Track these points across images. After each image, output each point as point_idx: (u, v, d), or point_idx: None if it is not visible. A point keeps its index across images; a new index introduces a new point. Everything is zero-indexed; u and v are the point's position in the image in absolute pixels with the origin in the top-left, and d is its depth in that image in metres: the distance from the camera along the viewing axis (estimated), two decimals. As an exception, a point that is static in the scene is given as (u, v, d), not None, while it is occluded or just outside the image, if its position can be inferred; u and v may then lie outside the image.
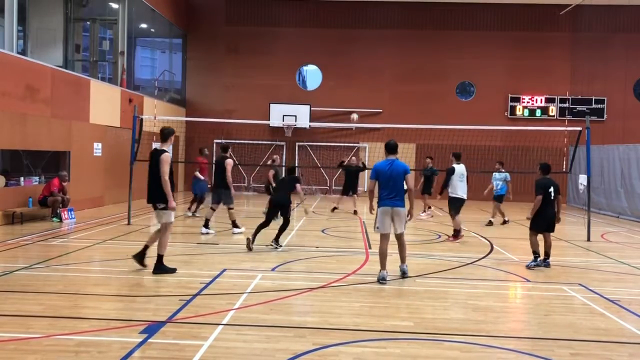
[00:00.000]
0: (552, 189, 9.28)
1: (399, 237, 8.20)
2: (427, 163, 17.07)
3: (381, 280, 7.92)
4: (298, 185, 10.77)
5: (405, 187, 8.13)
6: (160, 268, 8.10)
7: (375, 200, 8.24)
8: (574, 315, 6.64)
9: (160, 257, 8.14)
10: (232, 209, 12.25)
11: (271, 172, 15.63)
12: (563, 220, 17.78)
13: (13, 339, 5.27)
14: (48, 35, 17.81)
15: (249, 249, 10.13)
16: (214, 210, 12.28)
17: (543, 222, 9.34)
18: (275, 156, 17.93)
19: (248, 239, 10.27)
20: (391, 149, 8.24)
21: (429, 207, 17.11)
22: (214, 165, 12.86)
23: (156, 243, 8.25)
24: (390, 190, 7.98)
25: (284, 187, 10.96)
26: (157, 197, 8.19)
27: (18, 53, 14.58)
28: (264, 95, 24.59)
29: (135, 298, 6.96)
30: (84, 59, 20.11)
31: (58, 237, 11.43)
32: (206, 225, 12.12)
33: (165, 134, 8.43)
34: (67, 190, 14.25)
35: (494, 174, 15.71)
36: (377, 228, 8.10)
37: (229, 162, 12.02)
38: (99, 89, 17.68)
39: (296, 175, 11.63)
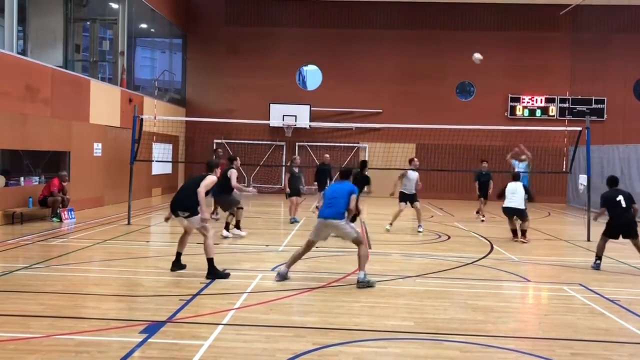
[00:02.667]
0: (620, 198, 9.42)
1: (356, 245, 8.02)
2: (483, 167, 16.40)
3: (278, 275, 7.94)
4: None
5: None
6: (213, 272, 7.96)
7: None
8: (574, 315, 6.64)
9: (210, 261, 8.03)
10: (233, 214, 12.21)
11: (287, 177, 15.21)
12: (563, 221, 17.96)
13: (13, 339, 5.27)
14: (48, 35, 17.80)
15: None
16: (242, 208, 12.32)
17: (615, 230, 9.49)
18: (295, 156, 17.29)
19: None
20: (342, 174, 8.56)
21: (480, 213, 16.42)
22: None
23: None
24: (328, 202, 8.01)
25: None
26: (181, 206, 8.22)
27: (18, 53, 14.58)
28: (264, 95, 24.58)
29: (135, 298, 6.96)
30: (84, 59, 20.11)
31: (58, 237, 11.42)
32: (237, 227, 12.18)
33: (210, 166, 8.61)
34: (67, 190, 14.25)
35: None
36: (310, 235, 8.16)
37: (233, 172, 11.92)
38: (99, 89, 17.68)
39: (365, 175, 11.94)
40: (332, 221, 7.88)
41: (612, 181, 9.83)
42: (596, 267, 9.49)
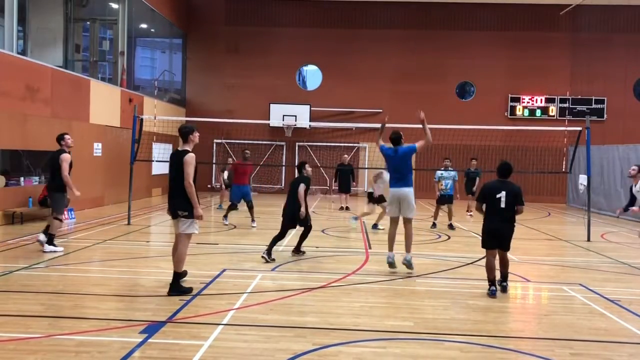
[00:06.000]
0: (502, 194, 7.24)
1: (405, 224, 8.59)
2: (473, 164, 17.03)
3: (389, 259, 8.53)
4: (301, 187, 9.38)
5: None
6: (176, 287, 6.99)
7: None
8: (574, 315, 6.64)
9: (176, 275, 7.03)
10: (58, 219, 9.64)
11: (225, 174, 14.90)
12: (563, 221, 17.96)
13: (13, 339, 5.27)
14: (48, 35, 17.79)
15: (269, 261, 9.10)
16: (59, 219, 9.75)
17: (488, 236, 7.48)
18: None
19: (263, 257, 9.13)
20: (393, 141, 8.77)
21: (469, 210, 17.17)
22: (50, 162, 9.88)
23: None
24: (396, 174, 8.59)
25: (291, 194, 9.57)
26: (178, 204, 6.93)
27: (18, 53, 14.57)
28: (264, 95, 24.58)
29: (135, 298, 6.95)
30: (84, 59, 20.09)
31: (58, 237, 11.37)
32: (50, 242, 9.54)
33: (183, 133, 7.11)
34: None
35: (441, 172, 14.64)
36: (388, 210, 8.87)
37: (65, 158, 9.52)
38: (99, 89, 17.68)
39: (302, 174, 9.74)
40: (404, 189, 8.41)
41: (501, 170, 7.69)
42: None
